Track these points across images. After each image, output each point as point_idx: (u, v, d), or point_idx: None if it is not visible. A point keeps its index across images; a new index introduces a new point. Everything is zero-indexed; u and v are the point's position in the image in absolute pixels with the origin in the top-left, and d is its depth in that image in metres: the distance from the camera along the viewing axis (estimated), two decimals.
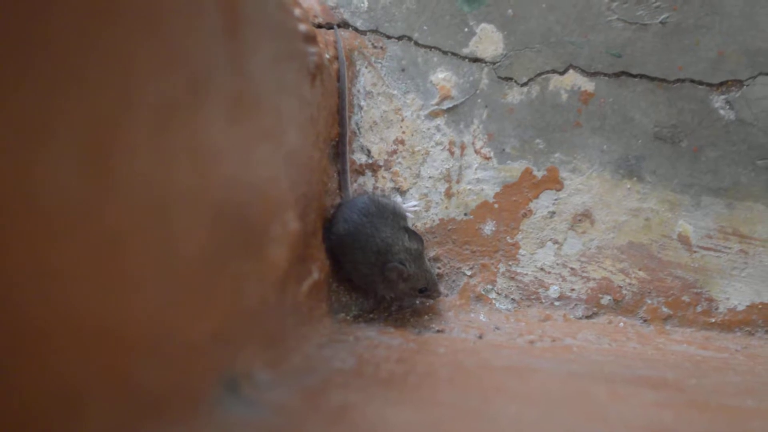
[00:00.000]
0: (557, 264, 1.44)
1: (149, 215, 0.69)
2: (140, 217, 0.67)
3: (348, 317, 1.35)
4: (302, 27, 1.22)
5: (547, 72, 1.43)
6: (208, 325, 0.83)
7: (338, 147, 1.42)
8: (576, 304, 1.42)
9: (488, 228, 1.45)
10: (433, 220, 1.46)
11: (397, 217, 1.36)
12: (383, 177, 1.46)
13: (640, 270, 1.41)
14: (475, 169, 1.45)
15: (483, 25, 1.43)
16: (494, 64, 1.44)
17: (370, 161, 1.47)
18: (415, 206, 1.45)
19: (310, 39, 1.25)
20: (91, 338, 0.60)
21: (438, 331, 1.34)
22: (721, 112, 1.38)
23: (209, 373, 0.83)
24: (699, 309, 1.38)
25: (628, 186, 1.42)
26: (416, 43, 1.45)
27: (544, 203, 1.44)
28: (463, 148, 1.45)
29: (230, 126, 0.88)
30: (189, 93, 0.76)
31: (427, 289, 1.34)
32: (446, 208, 1.46)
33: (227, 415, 0.82)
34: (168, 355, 0.74)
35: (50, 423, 0.56)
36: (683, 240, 1.40)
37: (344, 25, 1.46)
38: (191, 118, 0.77)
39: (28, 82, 0.51)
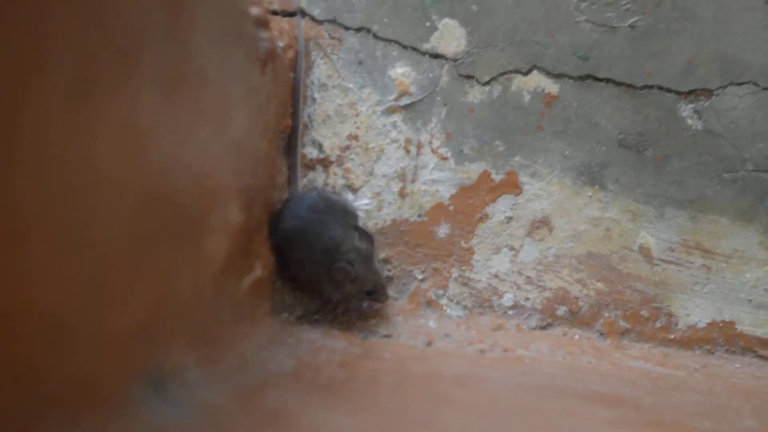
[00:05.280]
0: (512, 271, 1.39)
1: (61, 194, 0.64)
2: (50, 196, 0.62)
3: (291, 318, 1.30)
4: (254, 10, 1.18)
5: (510, 72, 1.39)
6: (131, 316, 0.78)
7: (289, 140, 1.37)
8: (530, 314, 1.38)
9: (442, 231, 1.40)
10: (385, 221, 1.42)
11: (347, 215, 1.31)
12: (335, 173, 1.42)
13: (598, 281, 1.37)
14: (431, 170, 1.41)
15: (446, 20, 1.39)
16: (456, 61, 1.40)
17: (322, 156, 1.42)
18: (366, 205, 1.41)
19: (263, 24, 1.20)
20: None
21: (385, 336, 1.30)
22: (689, 121, 1.34)
23: (131, 369, 0.79)
24: (658, 324, 1.35)
25: (590, 194, 1.37)
26: (375, 36, 1.41)
27: (501, 208, 1.40)
28: (419, 146, 1.41)
29: (166, 105, 0.83)
30: (115, 62, 0.71)
31: (375, 292, 1.30)
32: (399, 208, 1.41)
33: (150, 415, 0.78)
34: (80, 347, 0.69)
35: None
36: (644, 252, 1.37)
37: (301, 13, 1.40)
38: (117, 91, 0.72)
39: None
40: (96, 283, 0.71)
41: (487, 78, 1.39)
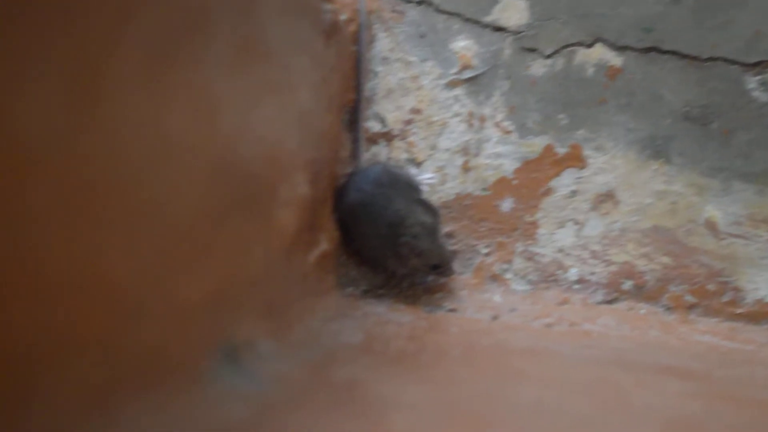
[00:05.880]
0: (577, 246, 1.38)
1: (140, 160, 0.65)
2: (130, 162, 0.63)
3: (356, 292, 1.30)
4: None
5: (574, 44, 1.37)
6: (205, 286, 0.79)
7: (352, 113, 1.36)
8: (596, 289, 1.36)
9: (506, 205, 1.39)
10: (449, 195, 1.41)
11: (411, 189, 1.31)
12: (398, 147, 1.41)
13: (664, 255, 1.35)
14: (495, 143, 1.39)
15: None
16: (518, 33, 1.38)
17: (385, 130, 1.41)
18: (430, 179, 1.40)
19: None
20: (68, 292, 0.56)
21: (450, 310, 1.29)
22: (755, 93, 1.32)
23: (206, 339, 0.80)
24: (725, 299, 1.33)
25: (655, 167, 1.36)
26: (437, 9, 1.40)
27: (565, 181, 1.38)
28: (482, 120, 1.40)
29: (235, 76, 0.84)
30: (186, 33, 0.72)
31: (441, 266, 1.29)
32: (463, 182, 1.40)
33: (225, 386, 0.78)
34: (158, 316, 0.70)
35: (23, 378, 0.51)
36: (710, 226, 1.34)
37: None
38: (189, 60, 0.73)
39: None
40: (172, 252, 0.72)
41: (549, 51, 1.38)
